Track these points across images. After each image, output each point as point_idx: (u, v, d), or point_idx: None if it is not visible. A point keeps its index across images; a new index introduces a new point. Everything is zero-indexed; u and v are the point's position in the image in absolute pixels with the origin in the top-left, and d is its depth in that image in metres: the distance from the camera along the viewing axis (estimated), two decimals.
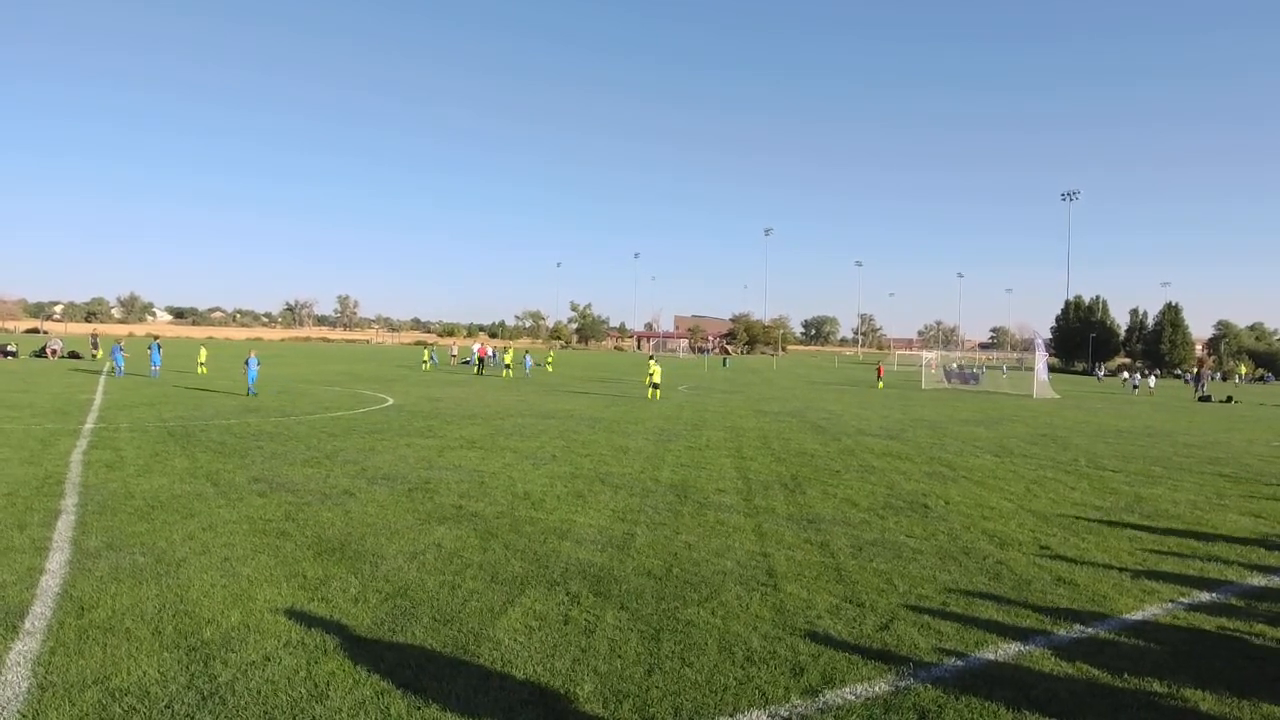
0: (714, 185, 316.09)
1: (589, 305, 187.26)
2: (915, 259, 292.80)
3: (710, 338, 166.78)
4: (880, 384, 47.96)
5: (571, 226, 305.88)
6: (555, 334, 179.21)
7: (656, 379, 30.31)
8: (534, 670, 4.90)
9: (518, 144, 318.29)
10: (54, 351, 50.00)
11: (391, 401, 24.56)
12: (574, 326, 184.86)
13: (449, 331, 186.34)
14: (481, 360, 48.02)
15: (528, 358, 48.10)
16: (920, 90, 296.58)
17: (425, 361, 51.67)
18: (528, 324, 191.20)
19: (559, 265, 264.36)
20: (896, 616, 6.04)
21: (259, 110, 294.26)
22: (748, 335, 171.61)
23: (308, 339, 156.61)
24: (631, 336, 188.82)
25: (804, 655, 5.23)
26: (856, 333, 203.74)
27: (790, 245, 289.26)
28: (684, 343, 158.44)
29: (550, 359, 58.83)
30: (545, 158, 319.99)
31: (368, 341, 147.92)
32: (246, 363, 25.18)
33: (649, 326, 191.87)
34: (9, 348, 49.94)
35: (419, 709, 4.33)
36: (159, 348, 35.94)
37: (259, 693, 4.47)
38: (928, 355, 66.40)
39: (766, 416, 23.61)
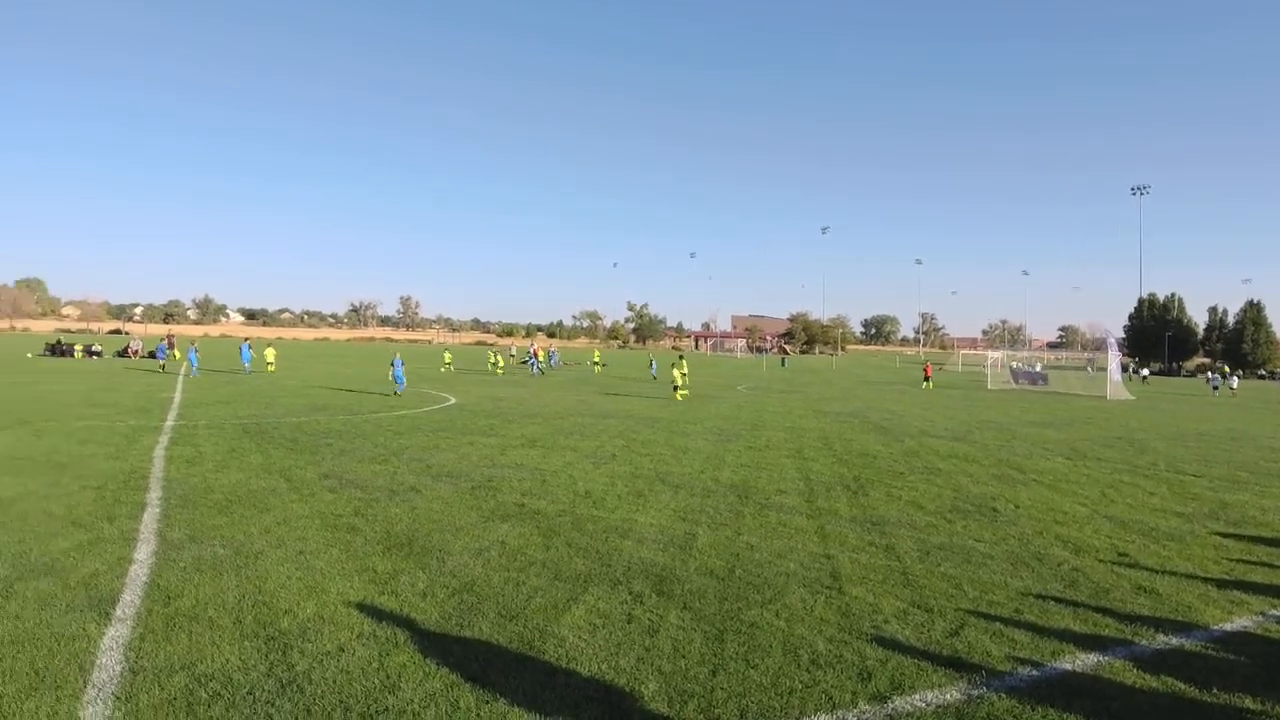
0: (771, 186, 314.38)
1: (645, 305, 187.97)
2: (978, 257, 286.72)
3: (768, 337, 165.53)
4: (928, 384, 46.81)
5: (629, 228, 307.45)
6: (612, 334, 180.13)
7: (678, 380, 29.10)
8: (598, 668, 4.93)
9: (576, 149, 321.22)
10: (134, 351, 52.26)
11: (454, 400, 24.99)
12: (631, 326, 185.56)
13: (508, 331, 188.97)
14: (535, 359, 49.39)
15: (554, 354, 49.15)
16: (982, 91, 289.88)
17: (495, 365, 46.46)
18: (585, 324, 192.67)
19: (615, 265, 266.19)
20: (966, 623, 5.91)
21: (325, 121, 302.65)
22: (806, 335, 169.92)
23: (371, 339, 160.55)
24: (688, 336, 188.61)
25: (871, 660, 5.16)
26: (918, 332, 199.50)
27: (849, 244, 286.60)
28: (741, 342, 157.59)
29: (597, 358, 58.90)
30: (604, 162, 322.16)
31: (429, 341, 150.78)
32: (393, 363, 26.41)
33: (706, 326, 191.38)
34: (94, 348, 52.52)
35: (487, 703, 4.40)
36: (249, 347, 38.68)
37: (334, 682, 4.60)
38: (993, 355, 64.79)
39: (827, 417, 23.33)
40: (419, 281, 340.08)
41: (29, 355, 49.59)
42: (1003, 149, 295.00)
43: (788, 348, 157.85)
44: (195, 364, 34.70)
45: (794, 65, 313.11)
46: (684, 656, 5.13)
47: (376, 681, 4.63)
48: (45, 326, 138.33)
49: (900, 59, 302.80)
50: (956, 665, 5.12)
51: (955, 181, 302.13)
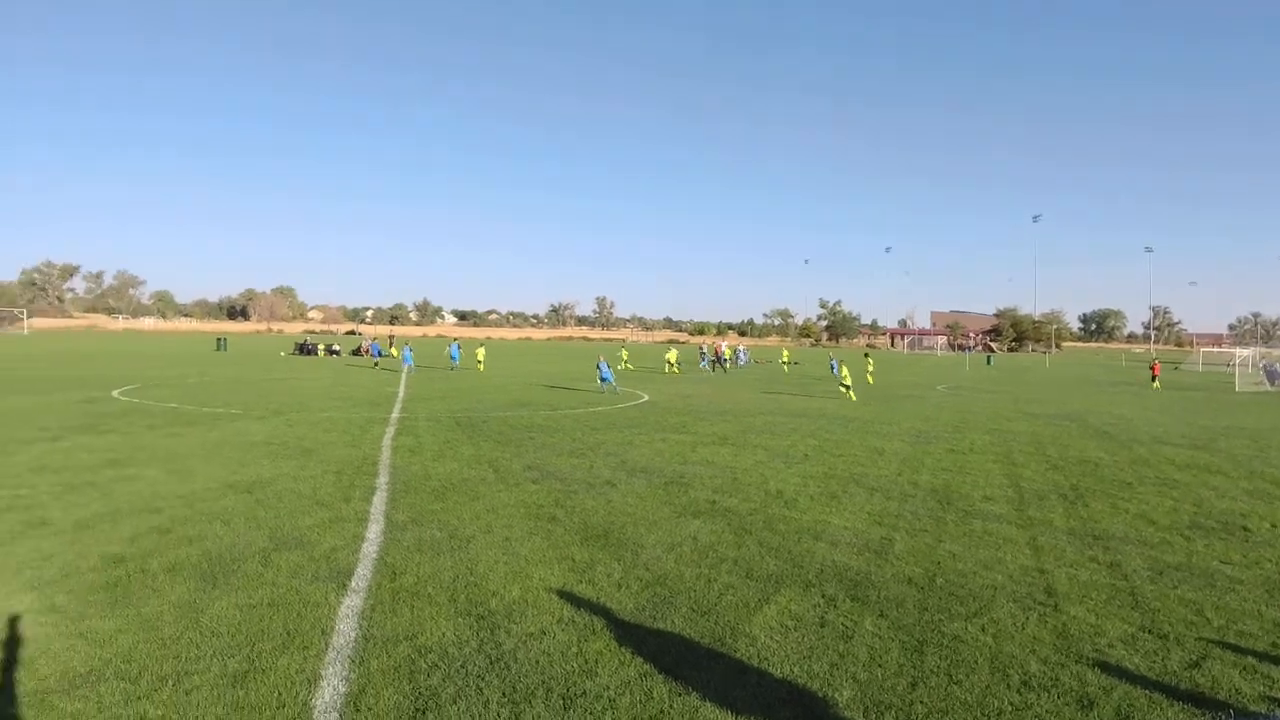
0: (972, 171, 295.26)
1: (839, 302, 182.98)
2: (1222, 242, 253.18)
3: (971, 334, 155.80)
4: (1156, 384, 41.74)
5: (821, 224, 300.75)
6: (804, 331, 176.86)
7: (846, 379, 28.11)
8: (790, 670, 4.88)
9: (768, 146, 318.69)
10: (366, 350, 58.00)
11: (647, 398, 25.61)
12: (823, 324, 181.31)
13: (699, 330, 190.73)
14: (719, 358, 50.09)
15: (744, 352, 49.10)
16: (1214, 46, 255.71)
17: (671, 363, 45.00)
18: (776, 322, 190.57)
19: (807, 262, 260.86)
20: (1210, 654, 5.26)
21: (523, 125, 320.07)
22: (1014, 331, 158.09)
23: (569, 338, 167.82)
24: (884, 334, 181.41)
25: (1093, 687, 4.73)
26: (1148, 327, 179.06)
27: (1063, 232, 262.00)
28: (941, 340, 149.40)
29: (786, 357, 57.82)
30: (796, 158, 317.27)
31: (623, 340, 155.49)
32: (599, 366, 27.96)
33: (902, 323, 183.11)
34: (334, 347, 59.00)
35: (679, 695, 4.48)
36: (458, 346, 43.76)
37: (537, 663, 4.88)
38: (1243, 352, 57.08)
39: (1039, 420, 21.58)
40: (614, 282, 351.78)
41: (282, 354, 56.40)
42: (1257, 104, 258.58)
43: (994, 345, 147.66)
44: (410, 361, 38.04)
45: (998, 62, 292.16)
46: (880, 666, 4.96)
47: (575, 665, 4.85)
48: (295, 328, 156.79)
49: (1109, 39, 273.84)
50: (1198, 701, 4.58)
51: (1190, 151, 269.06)
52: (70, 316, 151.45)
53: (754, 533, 8.22)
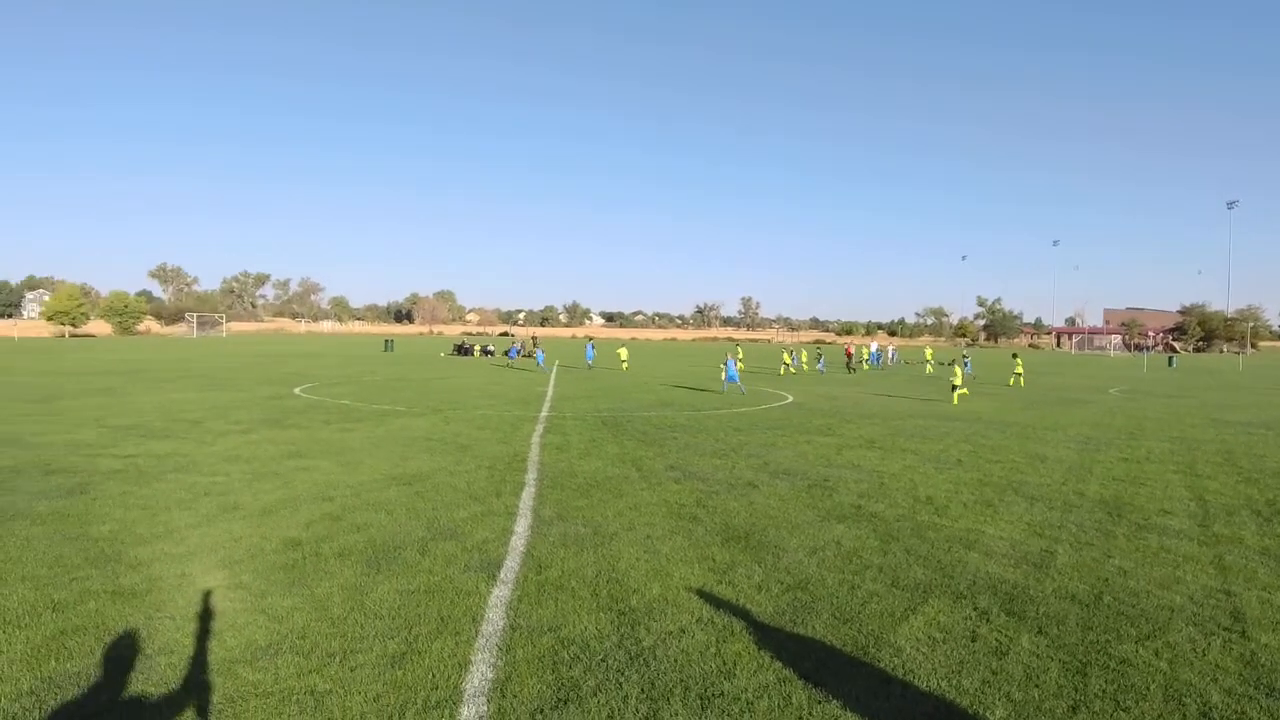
0: (1151, 159, 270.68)
1: (998, 300, 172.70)
2: None
3: (1150, 333, 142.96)
4: None
5: (980, 218, 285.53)
6: (959, 330, 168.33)
7: (958, 379, 26.02)
8: (938, 684, 4.68)
9: (922, 139, 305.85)
10: (519, 351, 60.48)
11: (791, 399, 25.23)
12: (981, 323, 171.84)
13: (846, 330, 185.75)
14: (849, 358, 49.87)
15: (893, 352, 47.10)
16: None
17: (794, 364, 44.07)
18: (929, 321, 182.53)
19: (964, 259, 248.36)
20: None
21: (669, 122, 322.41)
22: (1202, 329, 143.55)
23: (714, 338, 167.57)
24: (1048, 332, 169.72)
25: None
26: None
27: (1264, 219, 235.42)
28: (1115, 339, 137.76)
29: (930, 357, 54.96)
30: (954, 152, 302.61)
31: (768, 341, 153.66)
32: (725, 364, 27.92)
33: (1071, 321, 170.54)
34: (488, 348, 61.78)
35: (819, 703, 4.40)
36: (592, 346, 44.90)
37: (675, 661, 4.92)
38: None
39: (1230, 427, 19.50)
40: (760, 282, 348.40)
41: (441, 355, 59.67)
42: None
43: (1176, 345, 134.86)
44: (541, 361, 40.14)
45: (1182, 51, 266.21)
46: (1038, 686, 4.66)
47: (714, 666, 4.86)
48: (453, 330, 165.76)
49: None
50: None
51: None
52: (261, 320, 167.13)
53: (901, 539, 7.93)
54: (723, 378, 27.46)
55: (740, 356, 46.04)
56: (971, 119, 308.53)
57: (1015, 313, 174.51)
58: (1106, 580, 6.70)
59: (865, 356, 57.95)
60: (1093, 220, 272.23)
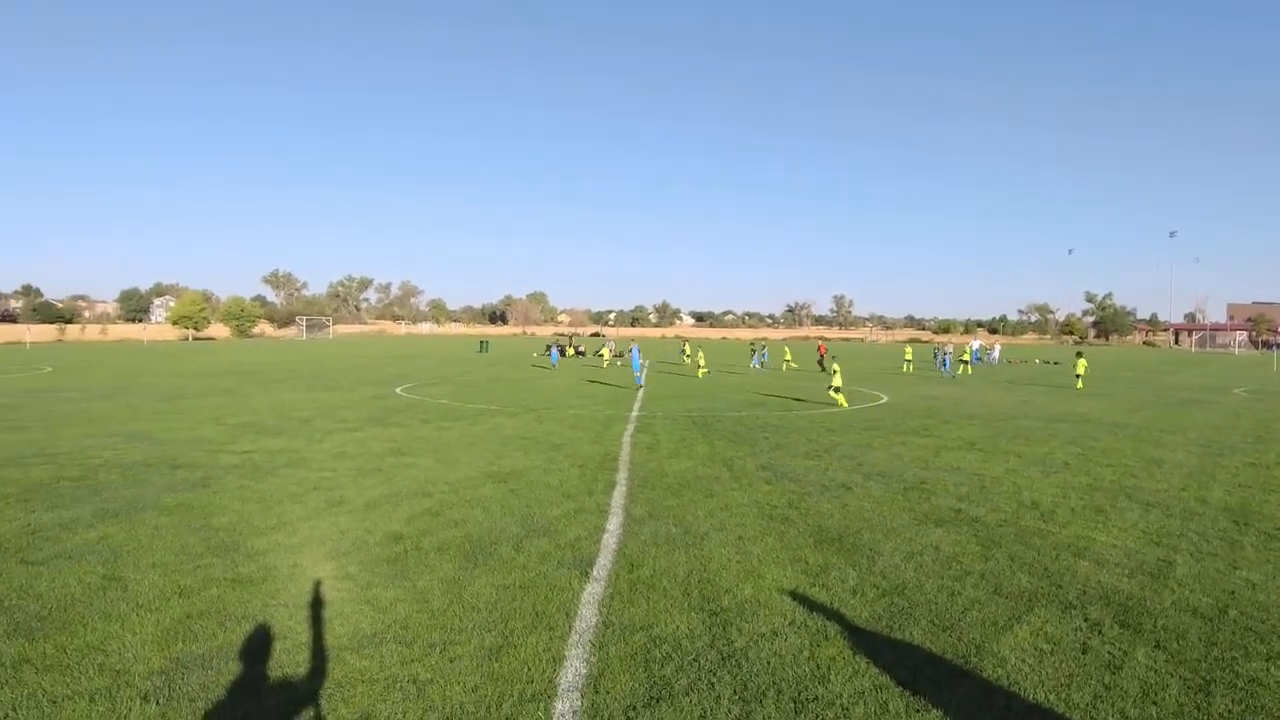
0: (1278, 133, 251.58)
1: (1109, 295, 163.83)
2: None
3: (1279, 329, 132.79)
4: None
5: (1088, 209, 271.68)
6: (1066, 328, 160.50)
7: (838, 380, 22.32)
8: (1045, 697, 4.47)
9: (1023, 128, 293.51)
10: (610, 350, 61.14)
11: (886, 399, 24.62)
12: (1090, 320, 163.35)
13: (944, 328, 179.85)
14: (822, 356, 46.94)
15: (993, 351, 43.80)
16: None
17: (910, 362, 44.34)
18: (1033, 318, 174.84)
19: (1071, 252, 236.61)
20: None
21: (750, 129, 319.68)
22: None
23: (806, 338, 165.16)
24: (1166, 329, 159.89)
25: None
26: None
27: None
28: (1240, 335, 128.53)
29: (911, 355, 51.62)
30: (1059, 140, 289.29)
31: (862, 340, 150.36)
32: (989, 351, 27.52)
33: (1190, 317, 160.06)
34: (580, 348, 62.66)
35: (918, 712, 4.27)
36: (639, 350, 44.53)
37: (768, 663, 4.87)
38: None
39: None
40: (853, 279, 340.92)
41: (534, 355, 60.82)
42: None
43: None
44: (637, 366, 40.46)
45: None
46: (1155, 703, 4.40)
47: (807, 670, 4.79)
48: (546, 331, 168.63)
49: None
50: None
51: None
52: (364, 323, 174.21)
53: (1004, 545, 7.62)
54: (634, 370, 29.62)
55: (788, 358, 45.57)
56: (1076, 101, 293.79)
57: (1128, 309, 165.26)
58: (1232, 593, 6.28)
59: (966, 356, 55.84)
60: (1215, 208, 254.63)
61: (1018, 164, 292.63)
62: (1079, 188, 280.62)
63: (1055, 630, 5.47)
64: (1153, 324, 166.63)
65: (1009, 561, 7.10)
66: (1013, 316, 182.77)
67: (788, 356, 48.02)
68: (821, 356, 45.75)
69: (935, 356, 45.72)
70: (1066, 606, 5.96)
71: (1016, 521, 8.62)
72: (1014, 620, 5.65)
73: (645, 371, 37.01)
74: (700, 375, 34.20)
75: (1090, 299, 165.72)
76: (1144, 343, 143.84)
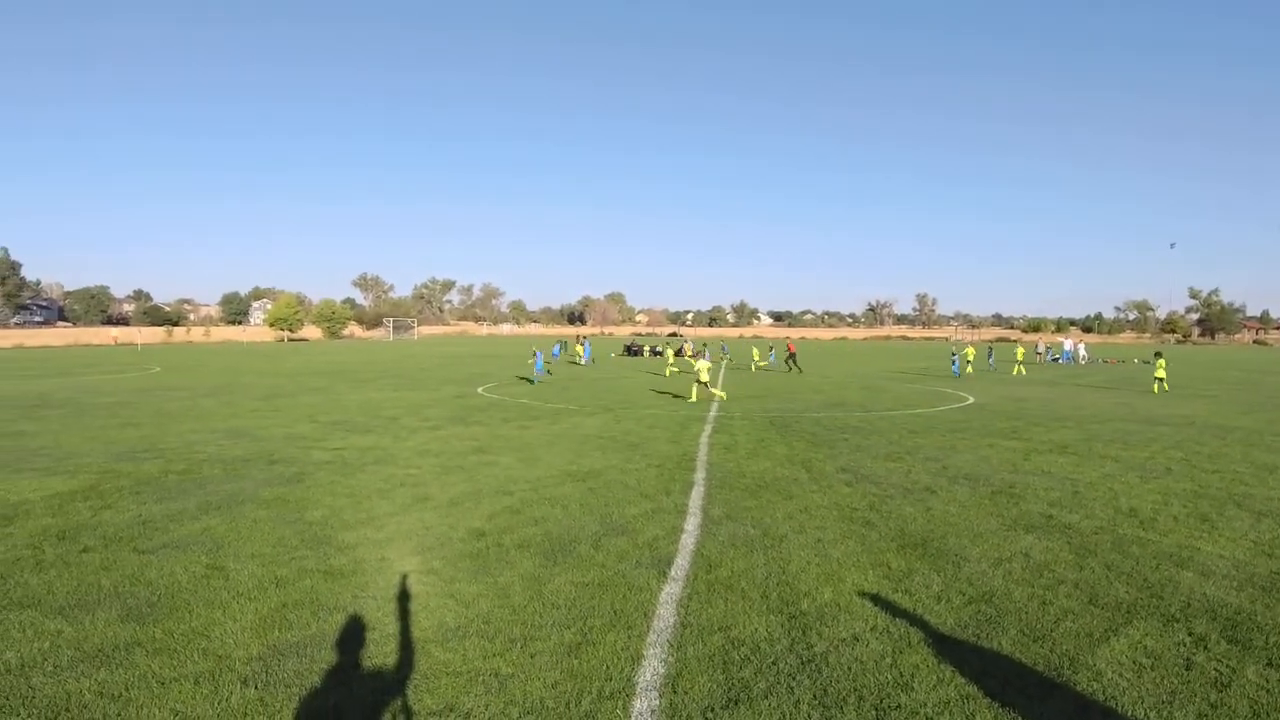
0: None
1: (1215, 291, 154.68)
2: None
3: None
4: None
5: (1192, 201, 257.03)
6: (1168, 326, 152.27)
7: (703, 373, 22.73)
8: (1144, 713, 4.27)
9: (1119, 118, 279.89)
10: (689, 349, 61.20)
11: (971, 400, 23.85)
12: (1194, 317, 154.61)
13: (1034, 327, 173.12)
14: (791, 355, 44.96)
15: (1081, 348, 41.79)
16: None
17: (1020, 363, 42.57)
18: (1131, 316, 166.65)
19: (1173, 247, 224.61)
20: None
21: (828, 138, 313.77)
22: None
23: (887, 337, 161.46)
24: (1277, 327, 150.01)
25: None
26: None
27: None
28: None
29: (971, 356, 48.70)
30: (1160, 128, 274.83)
31: (946, 339, 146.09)
32: (1078, 349, 27.08)
33: None
34: (657, 348, 62.89)
35: None
36: (588, 343, 46.66)
37: (849, 669, 4.79)
38: None
39: None
40: (938, 278, 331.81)
41: (612, 355, 61.28)
42: None
43: None
44: (588, 356, 41.81)
45: None
46: None
47: (889, 677, 4.69)
48: (624, 331, 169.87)
49: None
50: None
51: None
52: (447, 324, 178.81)
53: (1099, 554, 7.29)
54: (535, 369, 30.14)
55: (756, 357, 46.80)
56: (1180, 91, 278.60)
57: (1236, 305, 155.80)
58: None
59: (1058, 355, 53.69)
60: None
61: (1115, 154, 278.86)
62: (1182, 178, 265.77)
63: (1156, 644, 5.21)
64: (1264, 321, 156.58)
65: (1105, 570, 6.79)
66: (1108, 314, 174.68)
67: (755, 355, 48.33)
68: (791, 355, 44.17)
69: (1046, 354, 44.12)
70: (1168, 619, 5.66)
71: (1113, 529, 8.23)
72: (1111, 632, 5.40)
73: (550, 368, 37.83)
74: (668, 374, 35.33)
75: (1194, 295, 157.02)
76: (1254, 341, 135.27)
